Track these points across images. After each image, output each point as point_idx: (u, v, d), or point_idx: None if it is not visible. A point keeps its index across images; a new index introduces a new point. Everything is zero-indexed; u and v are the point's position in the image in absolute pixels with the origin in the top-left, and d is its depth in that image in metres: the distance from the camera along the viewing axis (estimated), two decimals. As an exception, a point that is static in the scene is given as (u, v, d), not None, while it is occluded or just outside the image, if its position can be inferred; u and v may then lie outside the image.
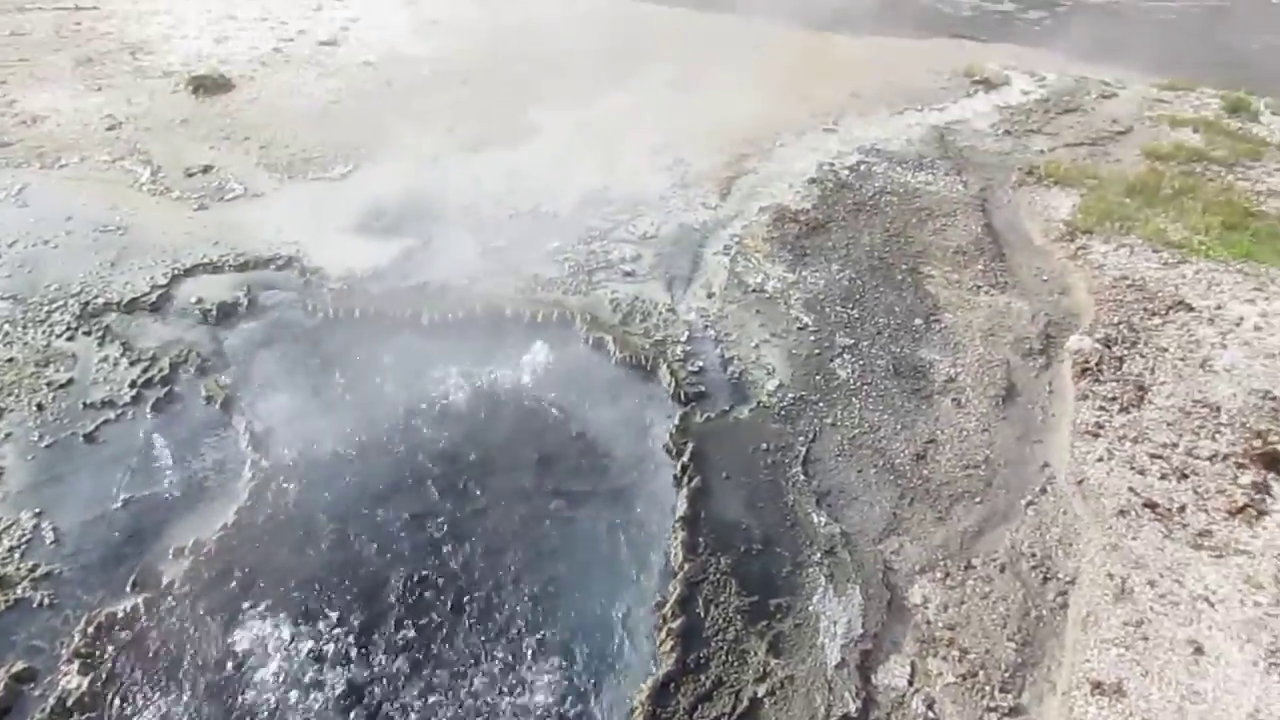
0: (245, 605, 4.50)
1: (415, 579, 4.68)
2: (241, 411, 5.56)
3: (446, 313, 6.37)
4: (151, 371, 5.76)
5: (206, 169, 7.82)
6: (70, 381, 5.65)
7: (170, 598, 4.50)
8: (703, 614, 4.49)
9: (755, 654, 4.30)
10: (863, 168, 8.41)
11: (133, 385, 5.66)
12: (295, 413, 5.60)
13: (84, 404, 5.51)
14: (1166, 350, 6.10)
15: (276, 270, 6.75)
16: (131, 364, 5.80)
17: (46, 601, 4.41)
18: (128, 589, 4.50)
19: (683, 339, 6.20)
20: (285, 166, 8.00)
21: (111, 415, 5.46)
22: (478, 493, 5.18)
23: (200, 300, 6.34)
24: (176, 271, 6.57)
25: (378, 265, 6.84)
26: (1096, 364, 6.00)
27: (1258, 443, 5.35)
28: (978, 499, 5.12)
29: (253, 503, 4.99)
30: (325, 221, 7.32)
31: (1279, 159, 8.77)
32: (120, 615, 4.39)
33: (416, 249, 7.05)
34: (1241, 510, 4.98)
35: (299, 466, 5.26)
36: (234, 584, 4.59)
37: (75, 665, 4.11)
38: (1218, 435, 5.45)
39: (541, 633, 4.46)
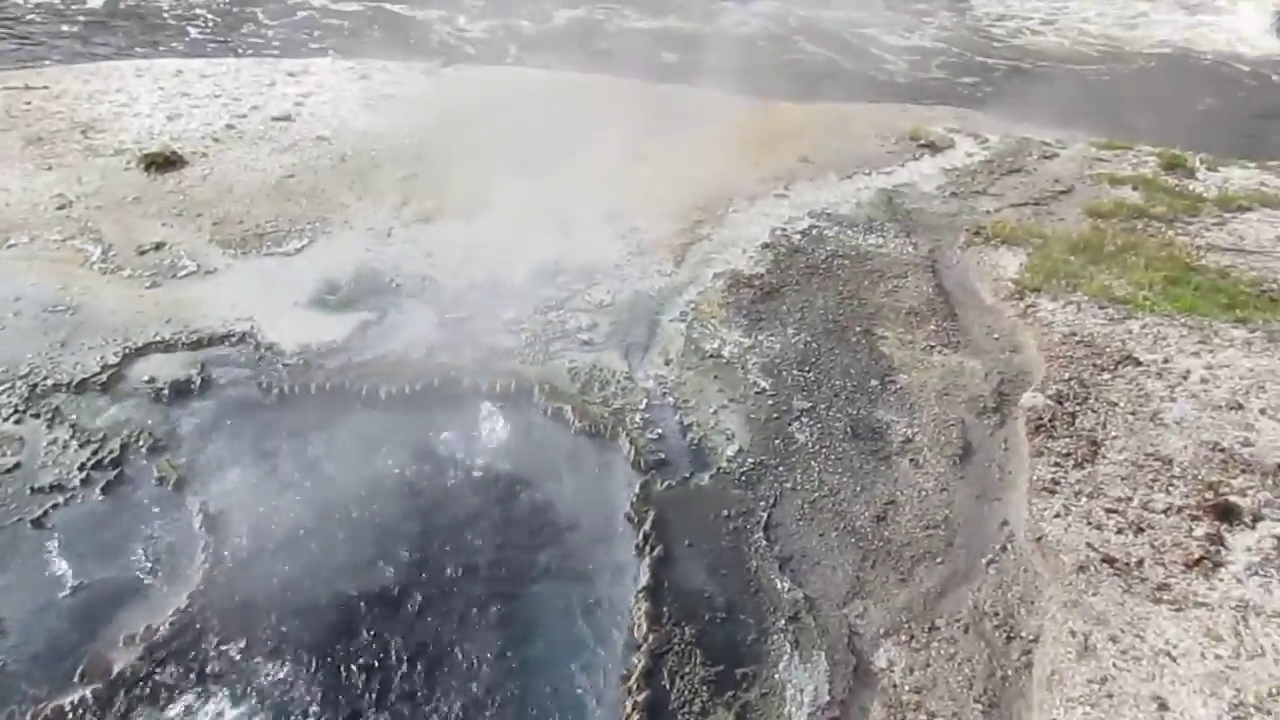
0: (198, 692, 4.39)
1: (374, 660, 4.60)
2: (194, 492, 5.46)
3: (403, 386, 6.34)
4: (102, 453, 5.66)
5: (158, 246, 7.76)
6: (17, 466, 5.53)
7: (120, 688, 4.38)
8: (668, 686, 4.44)
9: (722, 725, 4.26)
10: (815, 232, 8.54)
11: (82, 468, 5.55)
12: (249, 492, 5.52)
13: (32, 488, 5.39)
14: (1117, 405, 6.20)
15: (230, 347, 6.69)
16: (81, 446, 5.70)
17: (-9, 697, 4.27)
18: (75, 680, 4.38)
19: (641, 406, 6.20)
20: (239, 242, 7.97)
21: (60, 499, 5.35)
22: (436, 570, 5.12)
23: (152, 379, 6.26)
24: (128, 350, 6.49)
25: (333, 340, 6.80)
26: (1050, 420, 6.08)
27: (1210, 494, 5.43)
28: (939, 559, 5.14)
29: (206, 586, 4.89)
30: (280, 296, 7.27)
31: (1215, 214, 9.02)
32: (68, 708, 4.26)
33: (372, 322, 7.03)
34: (1198, 563, 5.03)
35: (253, 548, 5.17)
36: (187, 670, 4.48)
37: (21, 763, 3.97)
38: (1171, 488, 5.52)
39: (505, 711, 4.39)
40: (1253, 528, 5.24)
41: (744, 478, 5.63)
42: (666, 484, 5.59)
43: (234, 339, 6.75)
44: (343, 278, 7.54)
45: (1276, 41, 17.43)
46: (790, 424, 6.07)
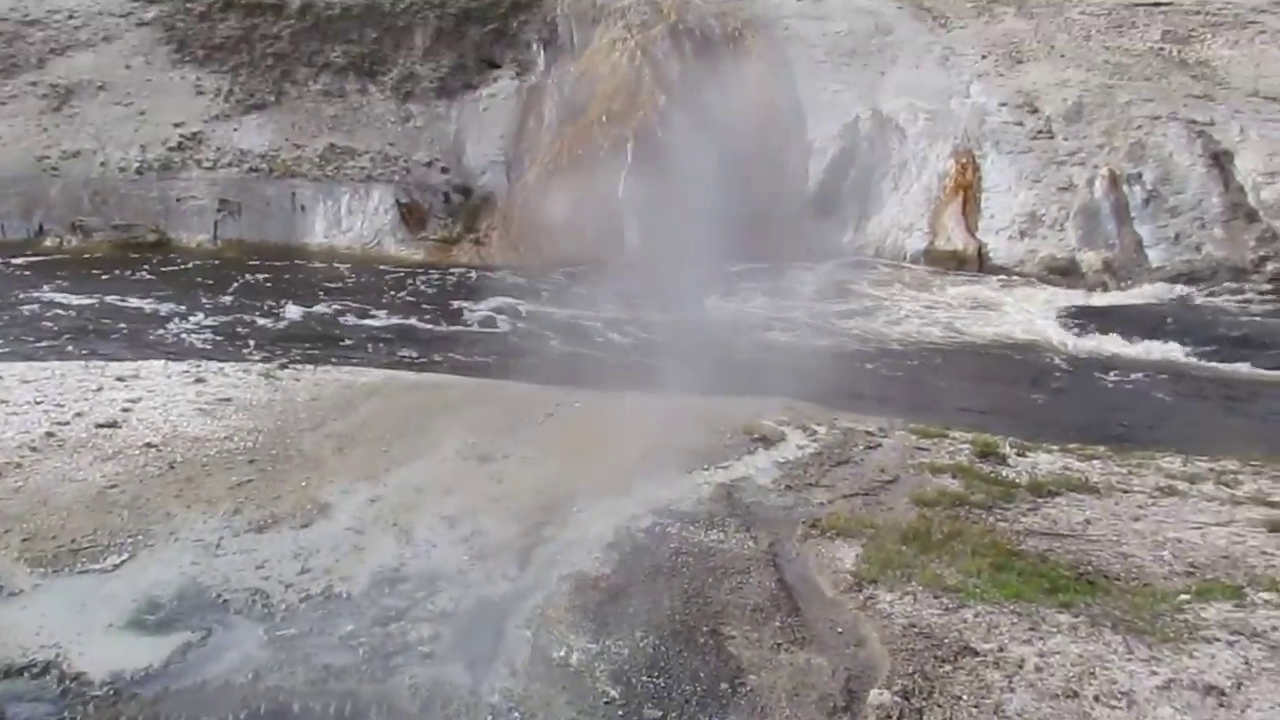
0: None
1: None
2: None
3: (226, 714, 5.89)
4: None
5: (-42, 569, 7.21)
6: None
7: None
8: None
9: None
10: (658, 529, 8.63)
11: None
12: None
13: None
14: (960, 699, 6.27)
15: (31, 680, 6.13)
16: None
17: None
18: None
19: (486, 726, 5.93)
20: (50, 559, 7.48)
21: None
22: None
23: (-66, 726, 5.64)
24: (-91, 692, 5.87)
25: (150, 665, 6.33)
26: (898, 718, 6.08)
27: (1059, 790, 5.46)
28: None
29: None
30: (92, 618, 6.79)
31: (1029, 499, 9.61)
32: None
33: (195, 643, 6.60)
34: None
35: None
36: None
37: None
38: (1021, 785, 5.53)
39: None
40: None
41: (596, 801, 5.37)
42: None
43: (35, 670, 6.21)
44: (164, 595, 7.13)
45: (1061, 332, 19.26)
46: (642, 737, 5.89)
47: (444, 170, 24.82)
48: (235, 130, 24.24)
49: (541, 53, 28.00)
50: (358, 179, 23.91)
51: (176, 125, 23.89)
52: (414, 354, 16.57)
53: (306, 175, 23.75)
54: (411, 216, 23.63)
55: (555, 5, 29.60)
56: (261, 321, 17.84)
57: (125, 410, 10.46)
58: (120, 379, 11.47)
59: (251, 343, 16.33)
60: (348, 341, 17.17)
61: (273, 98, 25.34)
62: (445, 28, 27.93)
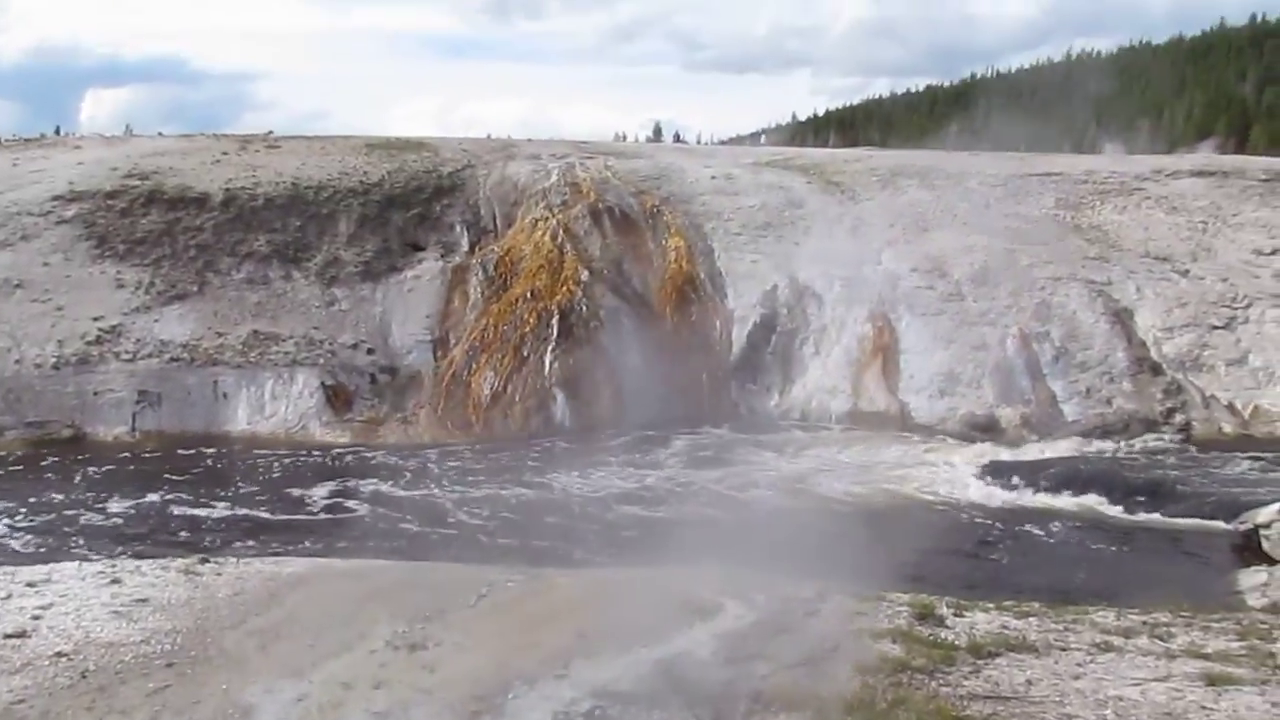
0: None
1: None
2: None
3: None
4: None
5: None
6: None
7: None
8: None
9: None
10: (598, 713, 8.34)
11: None
12: None
13: None
14: None
15: None
16: None
17: None
18: None
19: None
20: (-54, 788, 6.96)
21: None
22: None
23: None
24: None
25: None
26: None
27: None
28: None
29: None
30: None
31: (969, 661, 9.53)
32: None
33: None
34: None
35: None
36: None
37: None
38: None
39: None
40: None
41: None
42: None
43: None
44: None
45: (986, 488, 19.58)
46: None
47: (370, 351, 24.88)
48: (156, 321, 24.10)
49: (465, 234, 28.71)
50: (282, 364, 23.81)
51: (95, 319, 23.69)
52: (340, 538, 16.18)
53: (229, 362, 23.58)
54: (337, 398, 23.49)
55: (478, 188, 30.57)
56: (180, 514, 17.36)
57: (35, 618, 9.96)
58: (30, 584, 10.96)
59: (169, 537, 15.84)
60: (270, 529, 16.73)
61: (195, 288, 25.38)
62: (369, 214, 28.54)
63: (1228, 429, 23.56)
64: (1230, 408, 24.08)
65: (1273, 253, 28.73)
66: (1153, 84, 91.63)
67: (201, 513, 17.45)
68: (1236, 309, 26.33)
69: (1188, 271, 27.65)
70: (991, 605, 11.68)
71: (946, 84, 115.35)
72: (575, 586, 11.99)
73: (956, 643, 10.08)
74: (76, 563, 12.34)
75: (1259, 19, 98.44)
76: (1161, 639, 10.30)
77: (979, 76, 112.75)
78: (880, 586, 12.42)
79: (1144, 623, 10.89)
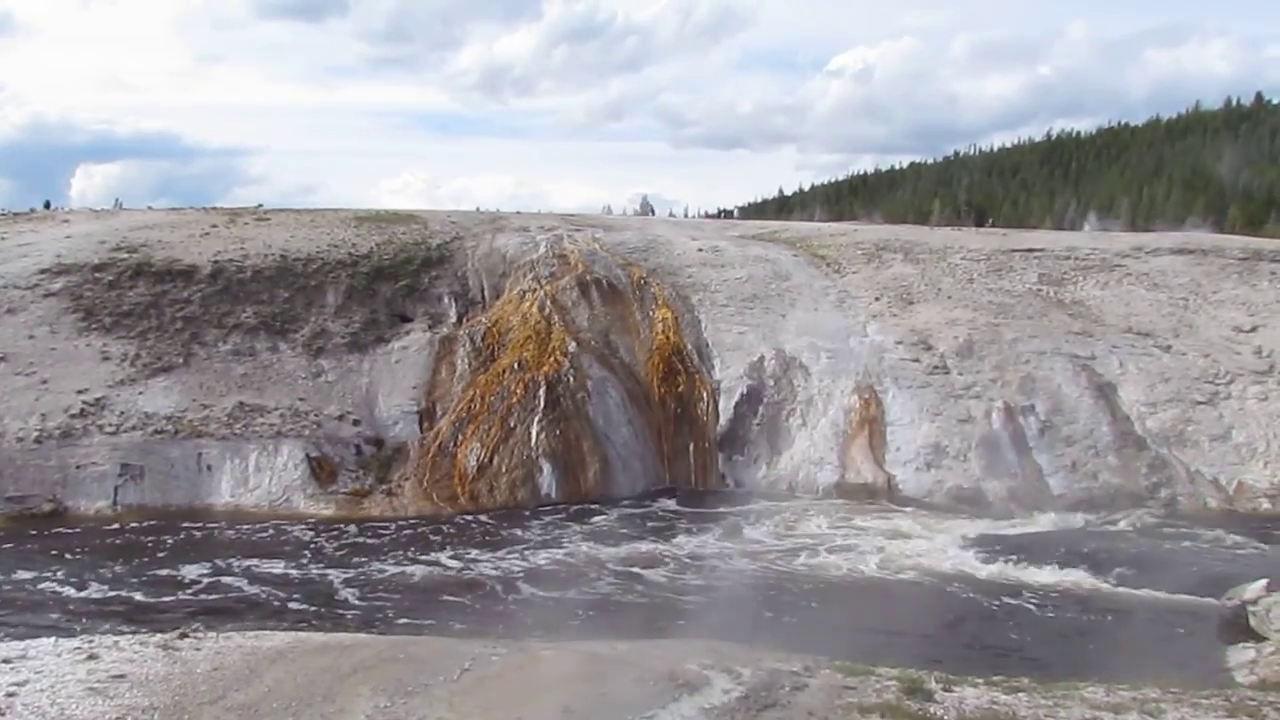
0: None
1: None
2: None
3: None
4: None
5: None
6: None
7: None
8: None
9: None
10: (581, 791, 8.21)
11: None
12: None
13: None
14: None
15: None
16: None
17: None
18: None
19: None
20: None
21: None
22: None
23: None
24: None
25: None
26: None
27: None
28: None
29: None
30: None
31: (959, 738, 9.43)
32: None
33: None
34: None
35: None
36: None
37: None
38: None
39: None
40: None
41: None
42: None
43: None
44: None
45: (974, 561, 19.49)
46: None
47: (356, 423, 24.80)
48: (141, 394, 24.00)
49: (453, 305, 28.87)
50: (266, 435, 23.69)
51: (79, 392, 23.57)
52: (321, 613, 15.99)
53: (213, 434, 23.44)
54: (322, 470, 23.34)
55: (466, 260, 30.82)
56: (160, 589, 17.12)
57: (10, 695, 9.77)
58: (6, 660, 10.77)
59: (148, 613, 15.59)
60: (249, 604, 16.51)
61: (180, 360, 25.34)
62: (357, 285, 28.70)
63: (1213, 504, 23.57)
64: (1215, 483, 24.12)
65: (1252, 330, 29.05)
66: (1131, 164, 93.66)
67: (179, 591, 17.22)
68: (1219, 385, 26.53)
69: (1170, 347, 27.90)
70: (980, 680, 11.57)
71: (929, 160, 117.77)
72: (561, 660, 11.84)
73: (945, 718, 9.97)
74: (53, 639, 12.13)
75: (1234, 102, 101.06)
76: (1151, 715, 10.21)
77: (961, 154, 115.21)
78: (868, 661, 12.30)
79: (1134, 699, 10.79)
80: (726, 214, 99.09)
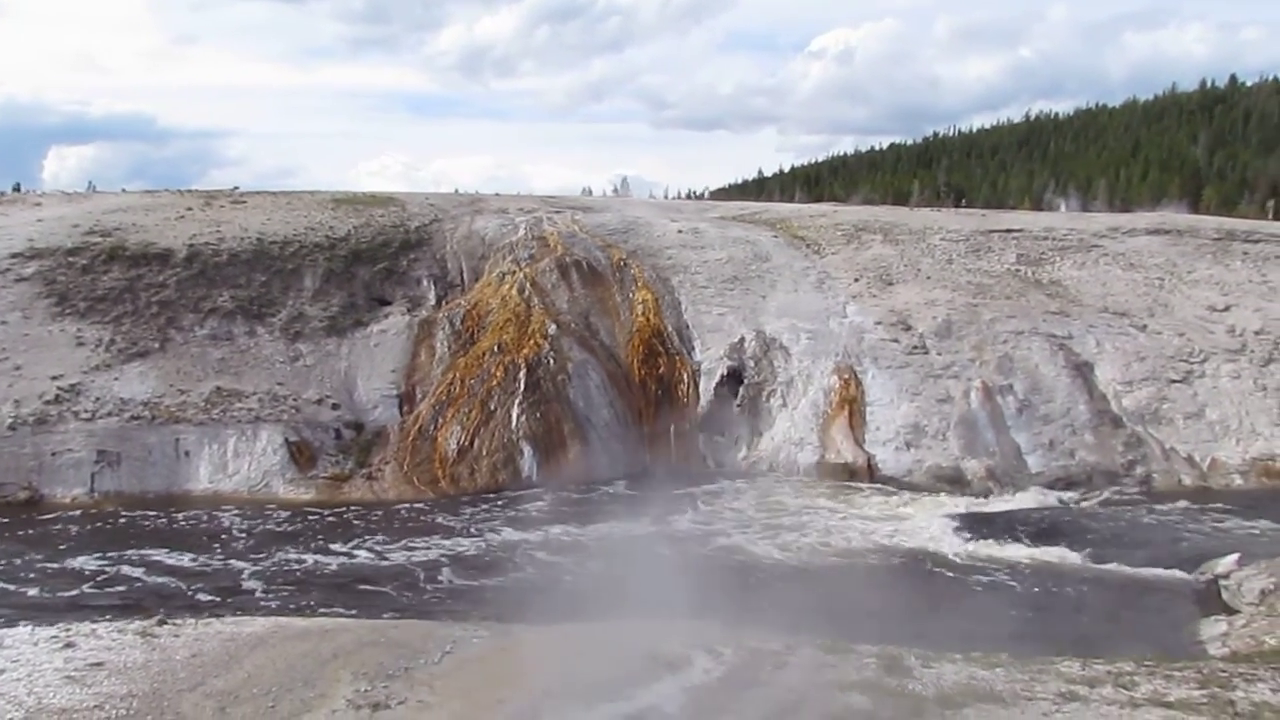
0: None
1: None
2: None
3: None
4: None
5: None
6: None
7: None
8: None
9: None
10: (563, 771, 8.25)
11: None
12: None
13: None
14: None
15: None
16: None
17: None
18: None
19: None
20: None
21: None
22: None
23: None
24: None
25: None
26: None
27: None
28: None
29: None
30: None
31: (937, 712, 9.52)
32: None
33: None
34: None
35: None
36: None
37: None
38: None
39: None
40: None
41: None
42: None
43: None
44: None
45: (953, 539, 19.62)
46: None
47: (335, 407, 24.68)
48: (116, 379, 23.76)
49: (432, 288, 28.74)
50: (245, 420, 23.54)
51: (54, 378, 23.32)
52: (300, 597, 15.95)
53: (191, 420, 23.27)
54: (301, 455, 23.22)
55: (445, 243, 30.66)
56: (137, 576, 17.03)
57: (-15, 674, 9.73)
58: (-19, 640, 10.73)
59: (126, 600, 15.51)
60: (227, 590, 16.45)
61: (157, 345, 25.11)
62: (335, 269, 28.52)
63: (1187, 481, 23.82)
64: (1189, 460, 24.38)
65: (1226, 309, 29.32)
66: (1109, 145, 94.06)
67: (157, 577, 17.12)
68: (1193, 364, 26.78)
69: (1145, 326, 28.13)
70: (959, 656, 11.67)
71: (909, 142, 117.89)
72: (541, 642, 11.87)
73: (924, 694, 10.06)
74: (29, 627, 12.04)
75: (1209, 84, 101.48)
76: (1126, 688, 10.34)
77: (941, 135, 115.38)
78: (848, 638, 12.36)
79: (1109, 672, 10.92)
80: (698, 196, 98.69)
